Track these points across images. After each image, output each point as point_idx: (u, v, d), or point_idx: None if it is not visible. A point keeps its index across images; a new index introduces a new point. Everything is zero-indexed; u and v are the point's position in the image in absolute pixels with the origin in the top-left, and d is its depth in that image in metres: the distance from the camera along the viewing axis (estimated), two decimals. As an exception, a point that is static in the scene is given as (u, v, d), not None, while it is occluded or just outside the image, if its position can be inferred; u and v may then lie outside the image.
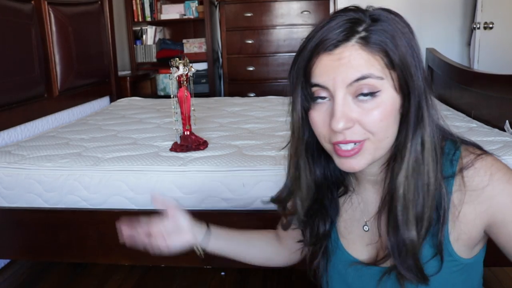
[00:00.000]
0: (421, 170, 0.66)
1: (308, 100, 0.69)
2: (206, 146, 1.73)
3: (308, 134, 0.73)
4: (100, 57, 2.87)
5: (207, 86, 3.73)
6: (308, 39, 0.67)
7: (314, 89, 0.67)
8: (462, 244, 0.70)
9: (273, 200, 0.86)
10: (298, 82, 0.69)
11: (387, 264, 0.73)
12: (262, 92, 3.39)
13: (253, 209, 1.47)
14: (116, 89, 3.10)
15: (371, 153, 0.67)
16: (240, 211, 1.48)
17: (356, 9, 0.66)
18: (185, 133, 1.71)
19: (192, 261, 1.56)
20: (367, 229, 0.79)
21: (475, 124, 1.92)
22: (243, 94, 3.45)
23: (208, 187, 1.48)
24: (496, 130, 1.79)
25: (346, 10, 0.67)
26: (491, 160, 0.69)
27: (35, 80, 2.18)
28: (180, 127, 1.73)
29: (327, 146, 0.70)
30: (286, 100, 0.74)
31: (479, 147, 0.72)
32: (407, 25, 0.67)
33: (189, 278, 1.86)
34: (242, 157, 1.58)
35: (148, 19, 3.74)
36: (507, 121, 1.76)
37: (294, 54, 0.71)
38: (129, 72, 3.78)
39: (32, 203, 1.59)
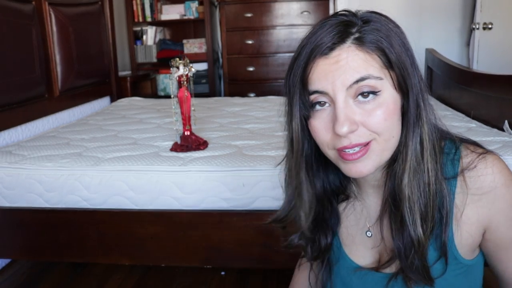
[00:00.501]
0: (421, 169, 0.66)
1: (307, 109, 0.66)
2: (206, 146, 1.73)
3: (307, 146, 0.71)
4: (100, 57, 2.88)
5: (207, 86, 3.74)
6: (301, 46, 0.66)
7: (312, 96, 0.65)
8: (466, 245, 0.70)
9: (274, 221, 0.82)
10: (295, 92, 0.67)
11: (392, 268, 0.72)
12: (262, 92, 3.39)
13: (253, 209, 1.48)
14: (117, 89, 3.10)
15: (378, 155, 0.65)
16: (240, 211, 1.48)
17: (346, 13, 0.66)
18: (185, 133, 1.72)
19: (192, 261, 1.57)
20: (370, 235, 0.78)
21: (474, 124, 1.93)
22: (243, 94, 3.46)
23: (208, 187, 1.49)
24: (495, 130, 1.79)
25: (335, 15, 0.66)
26: (492, 160, 0.68)
27: (36, 80, 2.19)
28: (180, 127, 1.73)
29: (332, 154, 0.67)
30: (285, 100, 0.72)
31: (478, 145, 0.71)
32: (397, 25, 0.67)
33: (189, 278, 1.87)
34: (242, 157, 1.59)
35: (148, 19, 3.74)
36: (506, 121, 1.76)
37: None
38: (129, 72, 3.78)
39: (33, 203, 1.60)
